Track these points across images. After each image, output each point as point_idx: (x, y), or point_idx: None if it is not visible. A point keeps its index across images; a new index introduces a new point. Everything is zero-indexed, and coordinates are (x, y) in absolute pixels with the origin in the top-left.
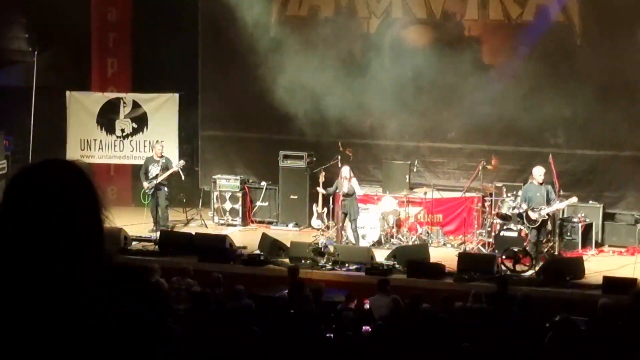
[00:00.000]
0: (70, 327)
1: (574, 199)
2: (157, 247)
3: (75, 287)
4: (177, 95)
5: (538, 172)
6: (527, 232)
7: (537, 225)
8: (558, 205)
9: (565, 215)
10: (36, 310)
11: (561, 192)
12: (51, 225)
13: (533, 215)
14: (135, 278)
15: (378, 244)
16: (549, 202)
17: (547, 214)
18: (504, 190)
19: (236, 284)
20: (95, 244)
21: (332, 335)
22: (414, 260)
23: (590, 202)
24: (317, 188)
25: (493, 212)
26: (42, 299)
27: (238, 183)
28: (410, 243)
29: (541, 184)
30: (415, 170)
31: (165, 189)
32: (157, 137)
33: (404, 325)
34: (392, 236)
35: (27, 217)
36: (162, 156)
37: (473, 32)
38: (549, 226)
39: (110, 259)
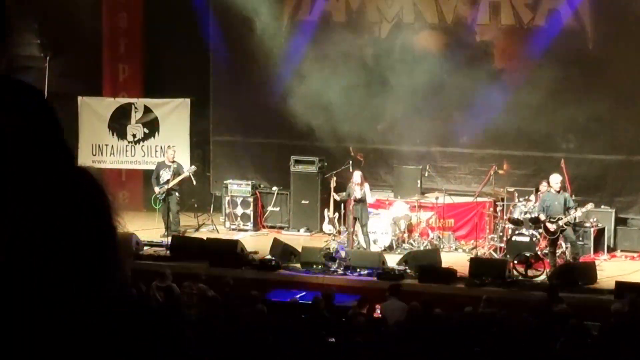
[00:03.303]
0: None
1: (590, 206)
2: (168, 252)
3: (87, 300)
4: (188, 100)
5: (555, 179)
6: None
7: (555, 236)
8: (575, 215)
9: (579, 220)
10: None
11: (573, 197)
12: (61, 234)
13: (551, 227)
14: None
15: (389, 249)
16: (567, 210)
17: (566, 224)
18: (516, 195)
19: (249, 289)
20: (109, 252)
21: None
22: (426, 265)
23: (603, 206)
24: (333, 194)
25: (505, 217)
26: (47, 310)
27: (249, 188)
28: (421, 248)
29: (558, 191)
30: (426, 175)
31: (177, 194)
32: (168, 142)
33: (416, 330)
34: (403, 241)
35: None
36: (173, 161)
37: (484, 37)
38: (572, 234)
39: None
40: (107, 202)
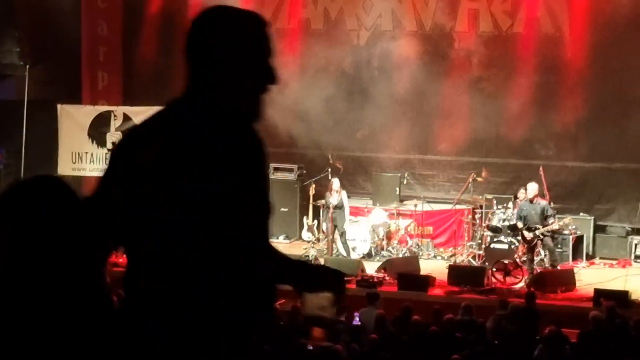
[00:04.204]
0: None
1: (567, 220)
2: None
3: (65, 305)
4: None
5: (531, 188)
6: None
7: (532, 244)
8: (552, 227)
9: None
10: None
11: (552, 205)
12: (37, 245)
13: (528, 236)
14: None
15: (368, 256)
16: (546, 218)
17: (543, 233)
18: (495, 202)
19: None
20: (83, 261)
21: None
22: (404, 272)
23: (581, 214)
24: (311, 201)
25: (483, 225)
26: (29, 316)
27: None
28: (400, 255)
29: (532, 200)
30: (405, 182)
31: None
32: None
33: (394, 337)
34: (382, 248)
35: (13, 238)
36: None
37: (463, 44)
38: (550, 242)
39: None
40: (82, 211)
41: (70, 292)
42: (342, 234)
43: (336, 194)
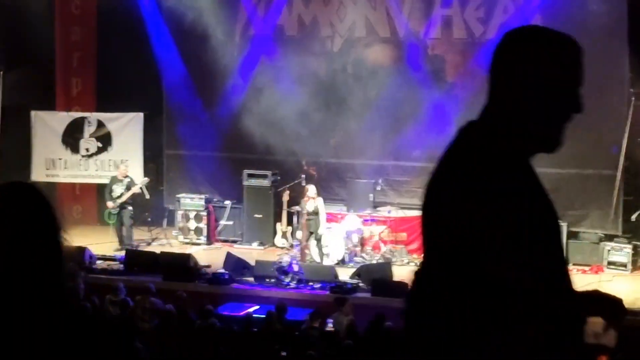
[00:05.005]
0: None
1: None
2: (122, 266)
3: (32, 308)
4: (141, 114)
5: None
6: None
7: None
8: None
9: None
10: None
11: None
12: (6, 250)
13: None
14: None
15: (342, 262)
16: None
17: None
18: None
19: (202, 302)
20: (53, 267)
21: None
22: (378, 278)
23: None
24: (285, 208)
25: None
26: None
27: (202, 202)
28: (374, 261)
29: None
30: (379, 188)
31: (130, 208)
32: (121, 156)
33: (368, 343)
34: (356, 255)
35: None
36: (126, 176)
37: (436, 51)
38: None
39: (71, 280)
40: (52, 217)
41: (34, 300)
42: (319, 240)
43: (312, 201)
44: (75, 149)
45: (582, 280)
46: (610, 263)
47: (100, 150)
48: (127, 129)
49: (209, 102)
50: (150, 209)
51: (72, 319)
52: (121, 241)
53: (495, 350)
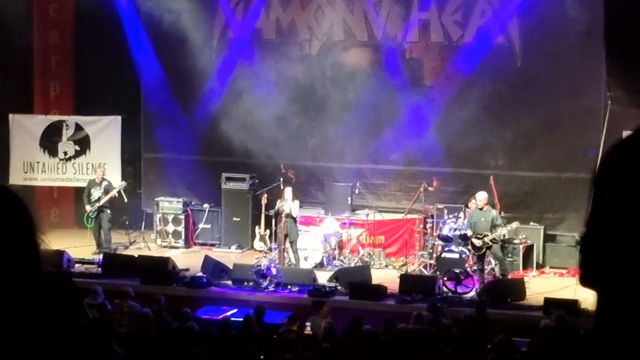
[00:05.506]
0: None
1: (515, 224)
2: (100, 269)
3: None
4: (119, 117)
5: (480, 196)
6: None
7: (482, 252)
8: (501, 232)
9: (506, 237)
10: None
11: (502, 214)
12: None
13: (477, 243)
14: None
15: (320, 265)
16: (494, 227)
17: (492, 240)
18: (445, 212)
19: (180, 306)
20: (30, 270)
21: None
22: (356, 281)
23: (531, 223)
24: (263, 211)
25: (434, 234)
26: None
27: (180, 205)
28: (352, 265)
29: (481, 208)
30: (357, 192)
31: (108, 211)
32: (100, 160)
33: (346, 346)
34: (334, 258)
35: None
36: (103, 179)
37: (414, 54)
38: (499, 251)
39: (49, 283)
40: (29, 220)
41: (10, 304)
42: (292, 243)
43: (286, 203)
44: (53, 152)
45: (559, 283)
46: None
47: (78, 154)
48: (105, 133)
49: (187, 105)
50: (128, 212)
51: (50, 323)
52: (99, 244)
53: None
